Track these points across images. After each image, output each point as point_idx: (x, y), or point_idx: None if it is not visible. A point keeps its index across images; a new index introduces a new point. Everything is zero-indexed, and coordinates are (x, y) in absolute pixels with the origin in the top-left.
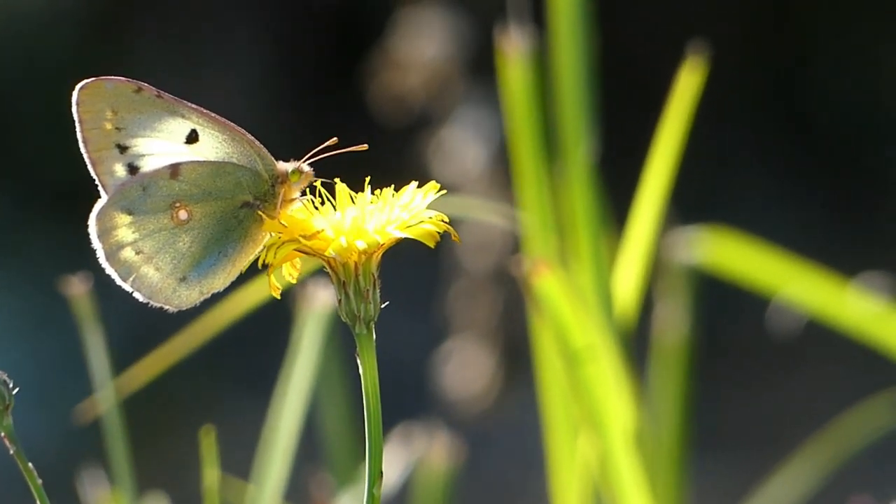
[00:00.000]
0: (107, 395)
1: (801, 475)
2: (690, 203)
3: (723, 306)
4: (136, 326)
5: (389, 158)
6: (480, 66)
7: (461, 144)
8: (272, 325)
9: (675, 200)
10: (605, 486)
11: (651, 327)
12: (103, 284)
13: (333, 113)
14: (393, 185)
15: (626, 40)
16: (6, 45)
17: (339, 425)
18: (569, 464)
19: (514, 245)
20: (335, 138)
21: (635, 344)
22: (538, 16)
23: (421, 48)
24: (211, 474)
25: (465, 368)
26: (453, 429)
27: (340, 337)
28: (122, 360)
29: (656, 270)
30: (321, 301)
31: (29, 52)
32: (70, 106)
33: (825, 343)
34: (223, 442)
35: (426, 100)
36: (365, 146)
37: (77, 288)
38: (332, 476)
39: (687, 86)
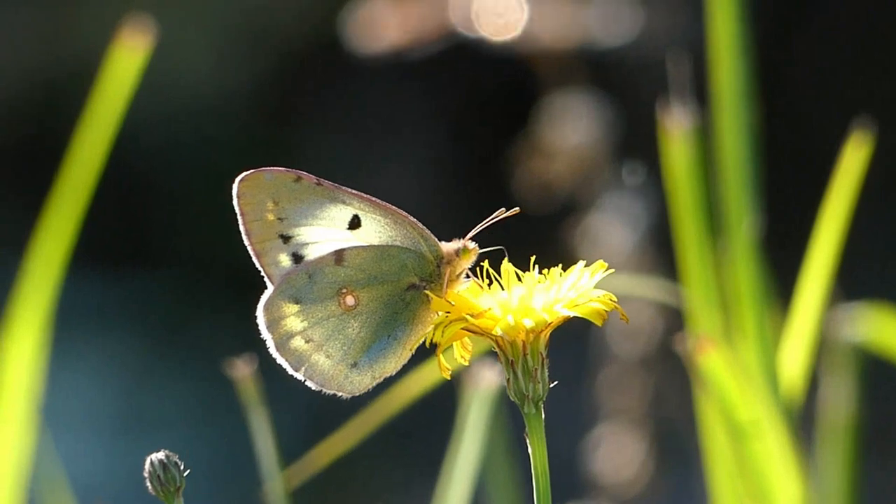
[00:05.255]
0: (273, 479)
1: None
2: (859, 279)
3: (892, 384)
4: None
5: (536, 245)
6: (627, 150)
7: (608, 229)
8: (438, 405)
9: (843, 277)
10: None
11: (818, 405)
12: (274, 370)
13: (479, 198)
14: (560, 265)
15: (792, 113)
16: (179, 129)
17: None
18: None
19: (663, 330)
20: (517, 208)
21: (802, 422)
22: (700, 92)
23: (566, 134)
24: None
25: (617, 454)
26: None
27: (506, 416)
28: (296, 444)
29: (823, 348)
30: (487, 381)
31: (200, 137)
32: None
33: None
34: None
35: (572, 186)
36: (517, 209)
37: (242, 370)
38: None
39: (852, 161)
